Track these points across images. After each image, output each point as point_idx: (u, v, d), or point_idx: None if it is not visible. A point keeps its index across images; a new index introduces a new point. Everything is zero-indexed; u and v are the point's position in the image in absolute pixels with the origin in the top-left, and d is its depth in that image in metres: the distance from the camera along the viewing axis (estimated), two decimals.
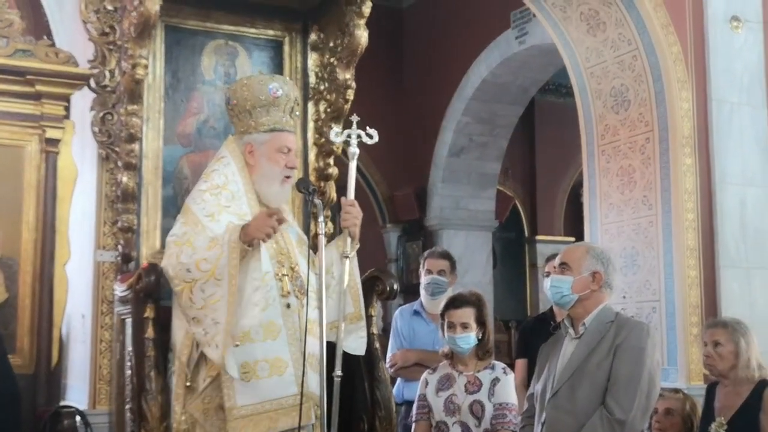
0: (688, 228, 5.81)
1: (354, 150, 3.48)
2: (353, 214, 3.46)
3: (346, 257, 3.45)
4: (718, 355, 4.07)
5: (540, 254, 10.80)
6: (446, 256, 5.01)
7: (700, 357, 4.58)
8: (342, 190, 3.67)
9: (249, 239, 3.17)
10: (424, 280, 4.91)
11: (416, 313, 4.94)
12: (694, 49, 6.03)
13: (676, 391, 4.58)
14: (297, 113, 3.69)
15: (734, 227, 5.96)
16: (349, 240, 3.47)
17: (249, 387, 3.25)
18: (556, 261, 3.57)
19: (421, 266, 5.02)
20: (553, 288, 3.46)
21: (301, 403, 3.14)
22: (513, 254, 11.25)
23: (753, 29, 6.23)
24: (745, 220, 6.00)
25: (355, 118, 3.54)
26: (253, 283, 3.23)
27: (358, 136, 3.49)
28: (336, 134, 3.57)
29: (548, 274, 4.13)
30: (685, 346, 5.66)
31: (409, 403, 4.40)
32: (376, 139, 3.50)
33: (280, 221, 3.24)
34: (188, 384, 3.29)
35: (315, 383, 3.25)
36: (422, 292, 4.93)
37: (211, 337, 3.16)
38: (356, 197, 3.52)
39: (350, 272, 3.48)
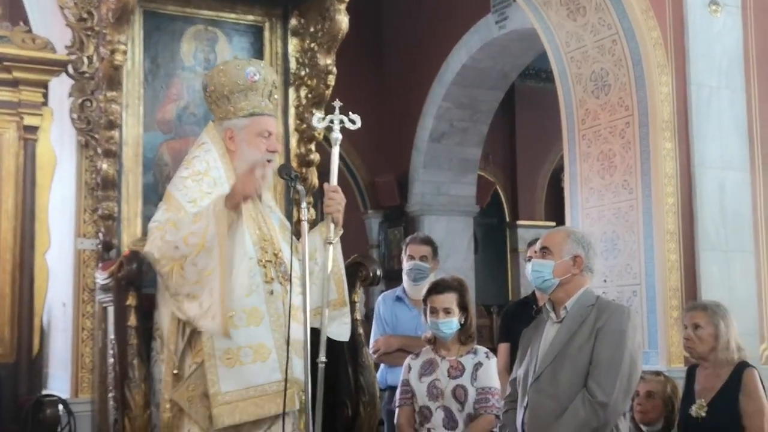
0: (668, 212, 5.84)
1: (337, 135, 3.45)
2: (336, 200, 3.44)
3: (330, 243, 3.43)
4: (697, 338, 4.10)
5: (521, 239, 10.87)
6: (428, 241, 5.01)
7: (681, 340, 4.61)
8: (323, 176, 3.66)
9: (237, 201, 3.15)
10: (406, 265, 4.92)
11: (399, 298, 4.95)
12: (674, 34, 6.05)
13: (657, 373, 4.61)
14: (275, 97, 3.67)
15: (713, 211, 5.99)
16: (332, 226, 3.45)
17: (233, 373, 3.24)
18: (537, 245, 3.58)
19: (403, 252, 5.02)
20: (534, 272, 3.47)
21: (285, 389, 3.14)
22: (494, 239, 11.29)
23: (731, 13, 6.25)
24: (725, 203, 6.04)
25: (337, 104, 3.52)
26: (240, 254, 3.22)
27: (341, 122, 3.47)
28: (318, 120, 3.55)
29: (530, 259, 4.14)
30: (665, 329, 5.70)
31: (392, 389, 4.41)
32: (359, 124, 3.47)
33: (264, 176, 3.23)
34: (175, 372, 3.28)
35: (299, 369, 3.25)
36: (404, 277, 4.94)
37: (206, 308, 3.13)
38: (337, 183, 3.51)
39: (334, 258, 3.47)
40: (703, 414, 4.01)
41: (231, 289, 3.16)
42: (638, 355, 3.36)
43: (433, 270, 4.92)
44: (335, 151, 3.45)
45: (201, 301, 3.15)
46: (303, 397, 3.24)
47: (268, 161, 3.48)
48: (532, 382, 3.35)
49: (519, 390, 3.47)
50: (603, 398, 3.21)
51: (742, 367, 4.05)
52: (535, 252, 3.59)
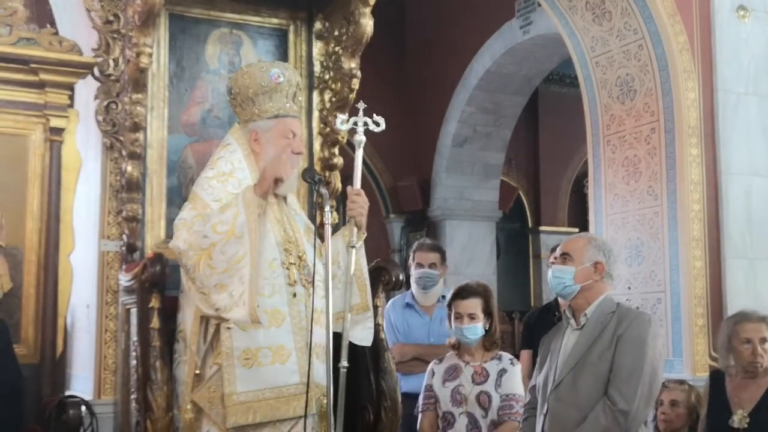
0: (694, 219, 5.78)
1: (360, 138, 3.42)
2: (359, 204, 3.42)
3: (353, 247, 3.41)
4: (765, 352, 3.95)
5: (544, 245, 10.82)
6: (436, 248, 4.97)
7: (706, 348, 4.55)
8: (346, 179, 3.64)
9: (266, 184, 3.18)
10: (414, 273, 4.87)
11: (408, 305, 4.92)
12: (701, 39, 5.99)
13: (681, 382, 4.56)
14: (300, 98, 3.66)
15: (740, 218, 5.93)
16: (355, 230, 3.43)
17: (250, 373, 3.23)
18: (558, 251, 3.56)
19: (410, 259, 4.98)
20: (555, 278, 3.45)
21: (307, 392, 3.13)
22: (516, 245, 11.25)
23: (760, 18, 6.19)
24: (751, 210, 5.97)
25: (361, 105, 3.50)
26: (265, 244, 3.22)
27: (365, 124, 3.45)
28: (342, 122, 3.52)
29: (551, 265, 4.11)
30: (690, 337, 5.64)
31: (408, 396, 4.38)
32: (383, 126, 3.44)
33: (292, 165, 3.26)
34: (197, 372, 3.28)
35: (320, 373, 3.23)
36: (413, 285, 4.90)
37: (238, 296, 3.12)
38: (360, 187, 3.49)
39: (357, 262, 3.45)
40: (746, 425, 3.89)
41: (259, 276, 3.15)
42: (659, 362, 3.33)
43: (442, 276, 4.90)
44: (359, 154, 3.43)
45: (231, 290, 3.13)
46: (323, 402, 3.23)
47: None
48: (552, 390, 3.33)
49: (538, 397, 3.44)
50: (624, 406, 3.19)
51: None
52: (556, 258, 3.56)
